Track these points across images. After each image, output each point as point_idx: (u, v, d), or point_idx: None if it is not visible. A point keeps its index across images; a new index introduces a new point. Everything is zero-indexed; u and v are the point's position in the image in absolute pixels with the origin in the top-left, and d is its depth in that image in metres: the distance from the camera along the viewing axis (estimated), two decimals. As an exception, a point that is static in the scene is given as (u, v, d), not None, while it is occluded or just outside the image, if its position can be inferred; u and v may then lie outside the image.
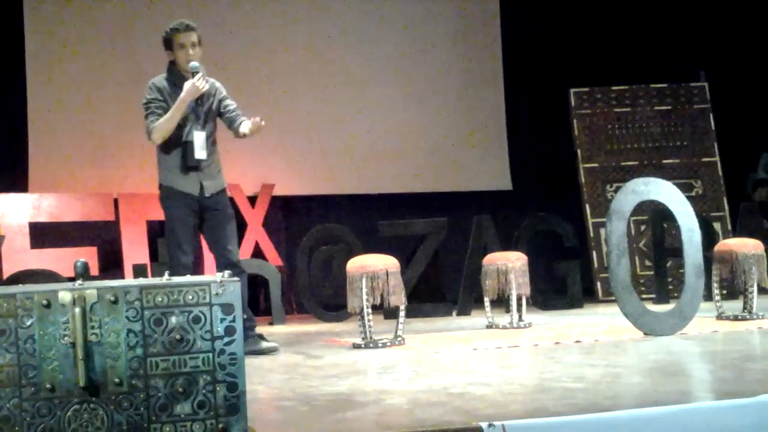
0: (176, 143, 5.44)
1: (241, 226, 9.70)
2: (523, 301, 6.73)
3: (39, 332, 2.51)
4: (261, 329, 7.98)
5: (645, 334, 5.33)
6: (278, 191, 10.02)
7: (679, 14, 10.68)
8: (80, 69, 9.51)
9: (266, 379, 4.21)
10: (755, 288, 6.14)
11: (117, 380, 2.53)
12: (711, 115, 10.26)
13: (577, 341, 5.23)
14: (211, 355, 2.58)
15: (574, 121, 10.20)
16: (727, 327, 5.69)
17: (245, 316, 5.22)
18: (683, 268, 5.54)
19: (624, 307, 5.35)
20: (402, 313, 5.68)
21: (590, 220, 9.92)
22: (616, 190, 6.82)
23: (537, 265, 7.84)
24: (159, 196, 5.54)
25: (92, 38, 9.60)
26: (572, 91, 10.26)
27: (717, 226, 9.70)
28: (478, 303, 7.42)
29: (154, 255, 8.89)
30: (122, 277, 8.48)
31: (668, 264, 8.95)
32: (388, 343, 5.53)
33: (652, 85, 10.30)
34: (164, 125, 5.37)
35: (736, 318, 6.08)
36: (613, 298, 5.58)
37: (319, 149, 10.23)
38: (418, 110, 10.62)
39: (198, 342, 2.58)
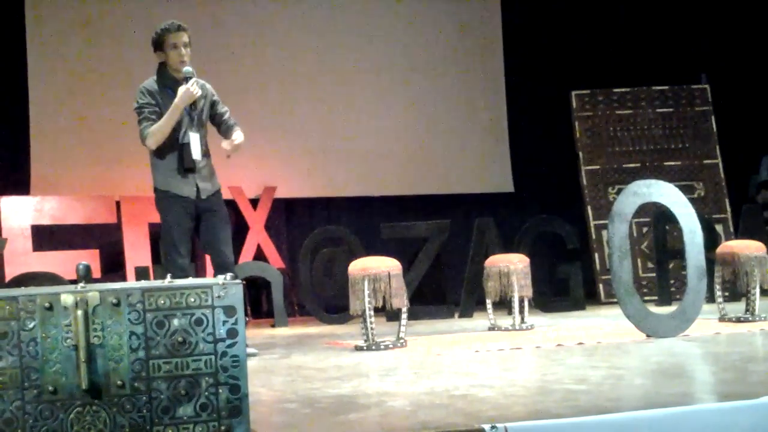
0: (171, 146, 5.42)
1: (243, 229, 9.71)
2: (525, 303, 6.73)
3: (41, 335, 2.51)
4: (264, 331, 8.01)
5: (647, 336, 5.33)
6: (280, 194, 10.02)
7: (681, 16, 10.69)
8: (82, 72, 9.52)
9: (269, 381, 4.21)
10: (757, 290, 6.13)
11: (119, 383, 2.53)
12: (712, 117, 10.26)
13: (580, 343, 5.23)
14: (213, 357, 2.58)
15: (576, 123, 10.20)
16: (729, 329, 5.68)
17: None
18: (685, 270, 5.53)
19: (626, 309, 5.35)
20: (404, 316, 5.68)
21: (592, 222, 9.92)
22: (618, 192, 6.84)
23: (539, 267, 7.84)
24: (155, 199, 5.52)
25: (94, 41, 9.61)
26: (574, 93, 10.26)
27: (719, 227, 9.70)
28: (480, 305, 7.41)
29: (156, 257, 8.89)
30: (124, 279, 8.49)
31: (670, 266, 8.95)
32: (391, 346, 5.53)
33: (654, 88, 10.30)
34: (159, 131, 5.35)
35: (738, 320, 6.08)
36: (616, 300, 5.57)
37: (321, 152, 10.23)
38: (420, 113, 10.63)
39: (200, 344, 2.58)
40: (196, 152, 5.44)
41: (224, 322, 2.59)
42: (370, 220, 9.69)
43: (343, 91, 10.43)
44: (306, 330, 7.93)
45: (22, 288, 2.66)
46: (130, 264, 8.81)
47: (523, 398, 3.22)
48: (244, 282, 2.74)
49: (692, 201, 5.92)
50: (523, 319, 6.66)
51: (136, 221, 9.07)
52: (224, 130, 5.68)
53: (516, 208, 10.35)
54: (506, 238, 8.64)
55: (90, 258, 8.60)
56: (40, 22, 9.45)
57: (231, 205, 9.60)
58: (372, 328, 5.53)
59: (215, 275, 5.32)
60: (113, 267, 8.95)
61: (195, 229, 5.53)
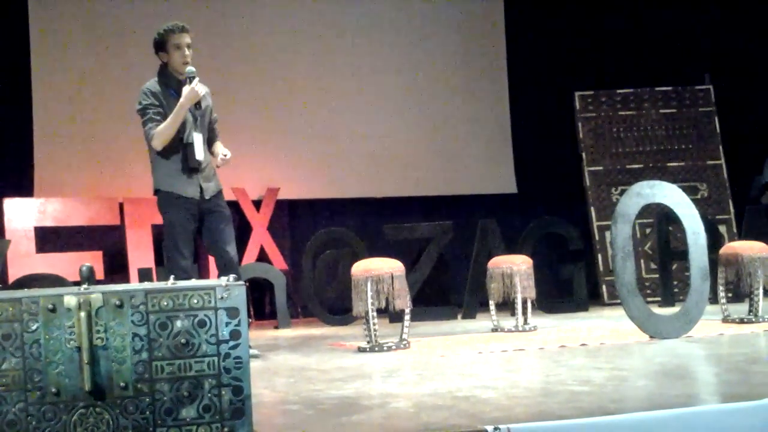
0: (175, 147, 5.42)
1: (246, 230, 9.72)
2: (529, 305, 6.73)
3: (44, 336, 2.52)
4: (267, 333, 8.01)
5: (650, 337, 5.32)
6: (283, 195, 10.02)
7: (684, 17, 10.68)
8: (85, 74, 9.53)
9: (271, 382, 4.21)
10: (761, 291, 6.13)
11: (122, 384, 2.53)
12: (716, 118, 10.26)
13: (583, 344, 5.22)
14: (216, 358, 2.58)
15: (579, 124, 10.20)
16: (732, 330, 5.68)
17: None
18: (689, 271, 5.53)
19: (629, 310, 5.35)
20: (407, 317, 5.67)
21: (595, 223, 9.92)
22: (621, 193, 6.83)
23: (542, 269, 7.84)
24: (157, 200, 5.51)
25: (97, 43, 9.62)
26: (577, 94, 10.26)
27: (722, 228, 9.69)
28: (483, 306, 7.41)
29: (159, 259, 8.89)
30: (127, 281, 8.49)
31: (674, 267, 8.95)
32: (394, 347, 5.53)
33: (657, 88, 10.30)
34: (166, 131, 5.35)
35: (741, 321, 6.07)
36: (619, 301, 5.57)
37: (324, 153, 10.23)
38: (423, 114, 10.63)
39: (203, 346, 2.58)
40: (200, 152, 5.45)
41: (227, 324, 2.59)
42: (373, 222, 9.69)
43: (346, 92, 10.43)
44: (309, 331, 7.93)
45: (26, 290, 2.66)
46: (133, 266, 8.81)
47: (526, 399, 3.22)
48: (247, 283, 2.74)
49: (695, 202, 5.91)
50: (526, 320, 6.66)
51: (139, 223, 9.07)
52: (209, 138, 5.68)
53: (519, 209, 10.35)
54: (509, 240, 8.64)
55: (93, 260, 8.61)
56: (43, 25, 9.46)
57: (234, 206, 9.61)
58: (375, 330, 5.53)
59: (220, 275, 5.34)
60: (116, 269, 8.96)
61: (198, 229, 5.53)
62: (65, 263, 8.38)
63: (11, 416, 2.48)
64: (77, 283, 2.69)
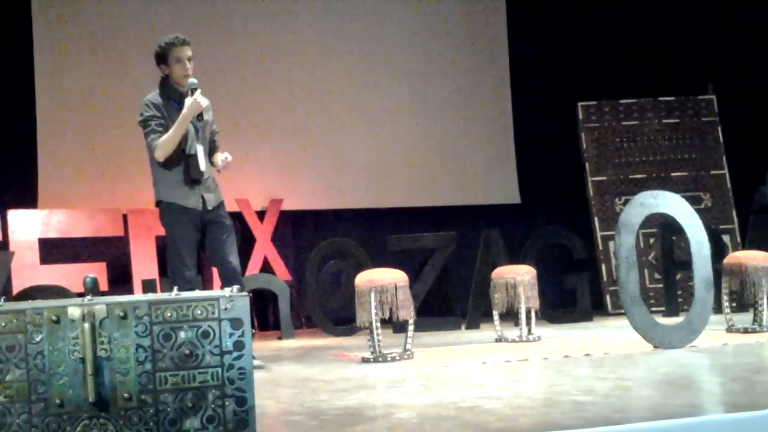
0: (178, 158, 5.43)
1: (250, 241, 9.73)
2: (532, 315, 6.72)
3: (49, 348, 2.52)
4: (271, 344, 8.01)
5: (654, 347, 5.31)
6: (286, 206, 10.03)
7: (687, 27, 10.69)
8: (89, 85, 9.56)
9: (275, 393, 4.21)
10: (765, 300, 6.12)
11: (126, 395, 2.53)
12: (719, 128, 10.25)
13: (587, 354, 5.22)
14: (220, 369, 2.58)
15: (582, 134, 10.20)
16: (737, 340, 5.67)
17: None
18: (692, 281, 5.52)
19: (633, 320, 5.34)
20: (411, 327, 5.67)
21: (599, 233, 9.91)
22: (625, 203, 6.83)
23: (546, 279, 7.84)
24: (159, 212, 5.52)
25: (101, 54, 9.65)
26: (580, 104, 10.26)
27: (726, 238, 9.68)
28: (487, 317, 7.41)
29: (163, 270, 8.90)
30: (131, 292, 8.50)
31: (677, 277, 8.93)
32: (397, 357, 5.52)
33: (660, 98, 10.31)
34: (169, 142, 5.36)
35: (746, 330, 6.06)
36: (623, 311, 5.56)
37: (327, 164, 10.25)
38: (426, 124, 10.65)
39: (207, 357, 2.58)
40: (202, 163, 5.46)
41: (231, 335, 2.59)
42: (376, 232, 9.69)
43: (349, 104, 10.45)
44: (313, 342, 7.93)
45: (30, 301, 2.67)
46: (137, 277, 8.82)
47: (530, 410, 3.21)
48: (251, 294, 2.75)
49: (699, 212, 5.91)
50: (530, 330, 6.65)
51: (143, 234, 9.09)
52: (210, 150, 5.70)
53: (523, 219, 10.35)
54: (513, 250, 8.64)
55: (97, 271, 8.61)
56: (47, 37, 9.49)
57: (237, 217, 9.62)
58: (379, 340, 5.53)
59: (223, 286, 5.33)
60: (120, 280, 8.97)
61: (200, 241, 5.53)
62: (69, 275, 8.39)
63: (15, 427, 2.48)
64: (81, 295, 2.70)
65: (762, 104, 10.33)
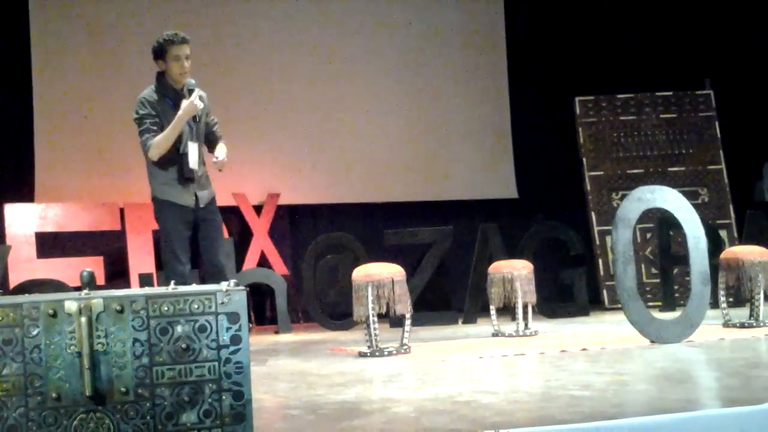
0: (171, 156, 5.40)
1: (247, 235, 9.72)
2: (529, 309, 6.73)
3: (45, 342, 2.52)
4: (268, 338, 8.01)
5: (651, 341, 5.32)
6: (284, 200, 10.03)
7: (684, 22, 10.69)
8: (86, 80, 9.54)
9: (272, 387, 4.21)
10: (761, 295, 6.13)
11: (123, 389, 2.53)
12: (716, 123, 10.26)
13: (584, 349, 5.22)
14: (216, 363, 2.58)
15: (580, 129, 10.20)
16: (733, 334, 5.68)
17: None
18: (689, 276, 5.53)
19: (630, 315, 5.34)
20: (408, 322, 5.67)
21: (596, 228, 9.92)
22: (622, 198, 6.84)
23: (543, 273, 7.84)
24: (154, 209, 5.52)
25: (97, 49, 9.64)
26: (577, 99, 10.27)
27: (723, 233, 9.69)
28: (484, 311, 7.41)
29: (160, 264, 8.89)
30: (128, 286, 8.49)
31: (674, 271, 8.94)
32: (394, 352, 5.53)
33: (658, 93, 10.31)
34: (163, 143, 5.34)
35: (742, 325, 6.07)
36: (620, 305, 5.57)
37: (325, 158, 10.24)
38: (424, 119, 10.64)
39: (204, 351, 2.58)
40: (194, 162, 5.46)
41: (228, 329, 2.59)
42: (373, 227, 9.69)
43: (346, 98, 10.44)
44: (309, 336, 7.93)
45: (27, 295, 2.66)
46: (134, 271, 8.82)
47: (527, 404, 3.21)
48: (248, 288, 2.74)
49: (696, 206, 5.91)
50: (526, 325, 6.66)
51: (140, 228, 9.08)
52: (210, 141, 5.69)
53: (520, 214, 10.35)
54: (510, 244, 8.64)
55: (94, 265, 8.60)
56: (44, 30, 9.48)
57: (235, 211, 9.62)
58: (376, 335, 5.53)
59: (206, 282, 5.36)
60: (117, 274, 8.96)
61: (192, 236, 5.55)
62: (66, 268, 8.38)
63: (12, 421, 2.48)
64: (78, 289, 2.69)
65: (759, 99, 10.34)
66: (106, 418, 2.52)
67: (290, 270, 9.84)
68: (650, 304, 8.39)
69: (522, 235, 8.84)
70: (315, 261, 8.81)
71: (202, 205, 5.51)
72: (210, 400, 2.56)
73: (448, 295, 8.85)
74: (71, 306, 2.53)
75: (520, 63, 10.90)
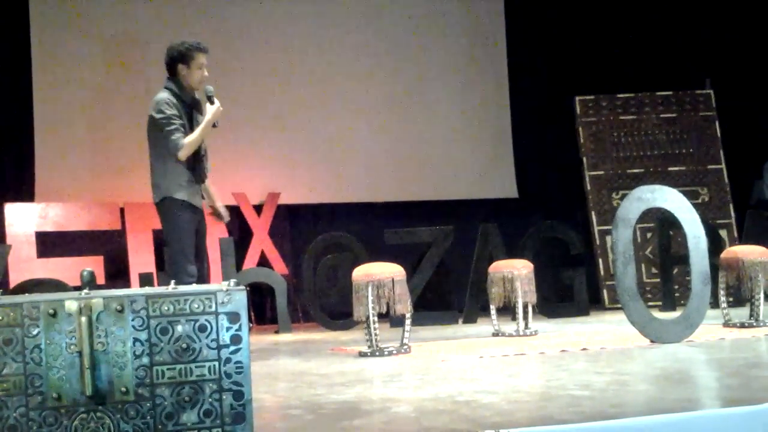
0: (190, 158, 5.45)
1: (247, 235, 9.72)
2: (530, 309, 6.73)
3: (45, 341, 2.51)
4: (268, 338, 8.01)
5: (651, 341, 5.32)
6: (284, 200, 10.03)
7: (685, 22, 10.69)
8: (86, 79, 9.55)
9: (272, 387, 4.21)
10: (762, 295, 6.13)
11: (123, 389, 2.53)
12: (716, 123, 10.26)
13: (584, 349, 5.22)
14: (217, 363, 2.58)
15: (580, 128, 10.20)
16: (733, 334, 5.68)
17: None
18: (689, 276, 5.53)
19: (630, 315, 5.34)
20: (408, 321, 5.67)
21: (596, 228, 9.92)
22: (622, 198, 6.83)
23: (543, 273, 7.84)
24: (166, 207, 5.49)
25: (98, 49, 9.64)
26: (577, 98, 10.27)
27: (723, 233, 9.69)
28: (484, 311, 7.41)
29: (160, 264, 8.90)
30: (128, 286, 8.50)
31: (674, 271, 8.94)
32: (394, 351, 5.52)
33: (658, 93, 10.31)
34: (194, 144, 5.39)
35: (742, 325, 6.07)
36: (620, 305, 5.56)
37: (325, 158, 10.25)
38: (424, 119, 10.64)
39: (204, 351, 2.58)
40: (209, 166, 5.54)
41: (228, 329, 2.59)
42: (373, 226, 9.68)
43: (346, 97, 10.44)
44: (310, 336, 7.93)
45: (27, 294, 2.66)
46: (134, 270, 8.82)
47: (527, 404, 3.21)
48: (248, 288, 2.74)
49: (696, 206, 5.91)
50: (527, 324, 6.66)
51: (140, 228, 9.08)
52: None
53: (520, 213, 10.35)
54: (510, 244, 8.64)
55: (94, 264, 8.61)
56: (44, 30, 9.48)
57: (235, 211, 9.61)
58: (376, 334, 5.53)
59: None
60: (117, 273, 8.97)
61: None
62: (66, 268, 8.39)
63: (12, 421, 2.48)
64: (78, 288, 2.69)
65: (760, 99, 10.34)
66: (106, 418, 2.52)
67: (290, 269, 9.84)
68: (650, 303, 8.39)
69: (522, 234, 8.84)
70: (315, 260, 8.81)
71: (199, 207, 5.55)
72: (210, 399, 2.56)
73: (449, 294, 8.85)
74: (71, 305, 2.53)
75: (520, 62, 10.90)
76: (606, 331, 6.55)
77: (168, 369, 2.56)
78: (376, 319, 5.52)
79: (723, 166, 10.13)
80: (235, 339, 2.59)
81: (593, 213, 9.97)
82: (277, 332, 8.54)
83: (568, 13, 10.78)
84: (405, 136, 10.54)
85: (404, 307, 5.55)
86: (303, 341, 7.37)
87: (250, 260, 9.62)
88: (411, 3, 10.78)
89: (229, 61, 9.87)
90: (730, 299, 6.64)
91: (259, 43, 10.21)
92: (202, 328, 2.58)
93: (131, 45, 9.63)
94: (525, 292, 6.61)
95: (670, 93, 10.34)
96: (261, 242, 9.77)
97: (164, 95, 5.43)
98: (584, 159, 10.13)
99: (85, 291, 2.59)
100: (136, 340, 2.56)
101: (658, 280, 9.20)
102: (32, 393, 2.50)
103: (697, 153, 10.18)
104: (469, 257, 8.66)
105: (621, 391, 3.45)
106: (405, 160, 10.47)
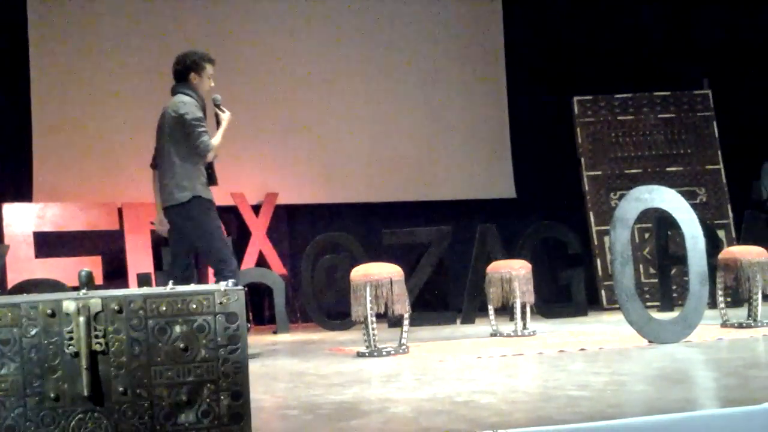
0: (206, 162, 5.72)
1: (245, 235, 9.72)
2: (527, 309, 6.73)
3: (43, 342, 2.51)
4: (266, 338, 8.01)
5: (649, 341, 5.32)
6: (282, 200, 10.03)
7: (683, 22, 10.69)
8: (84, 79, 9.54)
9: (270, 387, 4.21)
10: (759, 295, 6.13)
11: (121, 389, 2.53)
12: (714, 123, 10.27)
13: (582, 349, 5.22)
14: (215, 363, 2.58)
15: (578, 129, 10.21)
16: (731, 334, 5.68)
17: None
18: (687, 276, 5.53)
19: (628, 315, 5.35)
20: (406, 322, 5.67)
21: (594, 228, 9.92)
22: (620, 198, 6.83)
23: (541, 273, 7.84)
24: (198, 207, 5.63)
25: (96, 49, 9.63)
26: (575, 99, 10.27)
27: (721, 233, 9.70)
28: (482, 311, 7.41)
29: (158, 264, 8.90)
30: (126, 286, 8.49)
31: (672, 271, 8.95)
32: (393, 352, 5.53)
33: (656, 93, 10.31)
34: (219, 147, 5.69)
35: (740, 325, 6.08)
36: (618, 305, 5.57)
37: (323, 158, 10.24)
38: (422, 119, 10.64)
39: (202, 351, 2.58)
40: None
41: (226, 329, 2.59)
42: (372, 227, 9.69)
43: (344, 97, 10.44)
44: (308, 336, 7.93)
45: (25, 295, 2.66)
46: (132, 271, 8.81)
47: (525, 404, 3.21)
48: (246, 288, 2.74)
49: (694, 206, 5.92)
50: (525, 325, 6.66)
51: (138, 228, 9.07)
52: None
53: (518, 214, 10.35)
54: (508, 244, 8.64)
55: (92, 265, 8.60)
56: (42, 30, 9.47)
57: (233, 211, 9.62)
58: (374, 335, 5.53)
59: (178, 281, 5.54)
60: (115, 274, 8.96)
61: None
62: (64, 268, 8.38)
63: (10, 422, 2.48)
64: (76, 288, 2.69)
65: (757, 99, 10.34)
66: (103, 419, 2.52)
67: (288, 270, 9.84)
68: (648, 304, 8.39)
69: (520, 235, 8.84)
70: (313, 261, 8.81)
71: None
72: (208, 400, 2.56)
73: (447, 295, 8.85)
74: (69, 306, 2.53)
75: (518, 63, 10.90)
76: (604, 332, 6.56)
77: (166, 369, 2.56)
78: (374, 319, 5.52)
79: (721, 166, 10.13)
80: (233, 339, 2.59)
81: (591, 213, 9.97)
82: (275, 332, 8.54)
83: (567, 13, 10.78)
84: (403, 136, 10.54)
85: (402, 307, 5.56)
86: (301, 341, 7.37)
87: (249, 260, 9.62)
88: (410, 4, 10.78)
89: (228, 61, 9.84)
90: (728, 299, 6.65)
91: (257, 43, 10.20)
92: (201, 329, 2.58)
93: (130, 45, 9.63)
94: (523, 292, 6.61)
95: (668, 93, 10.34)
96: (259, 242, 9.77)
97: (189, 99, 5.67)
98: (582, 159, 10.13)
99: (83, 291, 2.59)
100: (134, 340, 2.56)
101: (656, 280, 9.20)
102: (30, 393, 2.50)
103: (695, 153, 10.18)
104: (468, 257, 8.66)
105: (619, 391, 3.45)
106: (403, 161, 10.47)
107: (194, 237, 5.62)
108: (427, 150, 10.60)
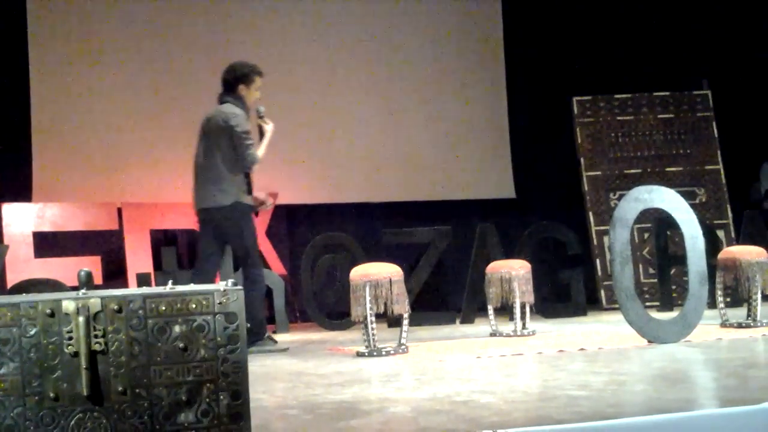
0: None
1: (245, 235, 9.70)
2: (527, 309, 6.73)
3: (43, 341, 2.51)
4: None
5: (649, 341, 5.32)
6: (282, 200, 10.01)
7: (682, 22, 10.69)
8: (83, 78, 9.54)
9: (270, 387, 4.21)
10: (759, 295, 6.13)
11: (120, 389, 2.53)
12: (714, 123, 10.27)
13: (581, 349, 5.22)
14: (214, 363, 2.58)
15: (577, 129, 10.20)
16: (731, 334, 5.68)
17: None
18: (687, 276, 5.53)
19: (628, 315, 5.34)
20: (405, 322, 5.67)
21: (593, 228, 9.92)
22: (620, 198, 6.84)
23: (540, 273, 7.84)
24: (241, 211, 6.07)
25: (96, 48, 9.63)
26: (575, 99, 10.27)
27: (720, 233, 9.70)
28: (482, 311, 7.41)
29: (157, 264, 8.90)
30: (126, 286, 8.49)
31: (672, 272, 8.95)
32: (392, 352, 5.52)
33: (655, 93, 10.31)
34: (262, 158, 6.15)
35: (740, 325, 6.08)
36: (617, 305, 5.57)
37: (323, 158, 10.24)
38: (421, 119, 10.64)
39: (201, 351, 2.58)
40: None
41: (225, 328, 2.59)
42: (371, 226, 9.69)
43: (344, 97, 10.44)
44: (307, 336, 7.93)
45: (24, 294, 2.66)
46: (132, 270, 8.81)
47: (524, 404, 3.21)
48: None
49: (693, 207, 5.92)
50: (524, 324, 6.66)
51: (137, 228, 9.07)
52: None
53: (517, 213, 10.35)
54: (508, 244, 8.64)
55: (91, 264, 8.60)
56: (42, 28, 9.47)
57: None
58: (373, 334, 5.53)
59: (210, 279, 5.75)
60: (115, 273, 8.96)
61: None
62: (63, 268, 8.37)
63: (9, 421, 2.48)
64: (75, 288, 2.69)
65: (757, 99, 10.35)
66: (103, 419, 2.52)
67: (288, 270, 9.84)
68: (648, 304, 8.39)
69: (520, 235, 8.84)
70: (313, 261, 8.81)
71: None
72: (208, 399, 2.56)
73: (446, 294, 8.85)
74: (69, 306, 2.53)
75: (517, 62, 10.90)
76: (603, 332, 6.55)
77: (165, 369, 2.56)
78: (373, 319, 5.52)
79: (720, 166, 10.13)
80: (233, 339, 2.59)
81: (591, 213, 9.97)
82: (274, 332, 8.52)
83: (566, 13, 10.78)
84: (403, 136, 10.54)
85: (402, 307, 5.55)
86: (300, 341, 7.37)
87: (248, 260, 9.61)
88: (410, 4, 10.78)
89: (227, 62, 9.84)
90: (728, 299, 6.64)
91: (256, 43, 10.19)
92: (200, 328, 2.58)
93: (129, 45, 9.62)
94: (522, 292, 6.61)
95: (667, 94, 10.34)
96: (259, 242, 9.75)
97: (242, 112, 5.87)
98: (582, 159, 10.13)
99: (83, 291, 2.59)
100: (133, 339, 2.55)
101: (656, 280, 9.20)
102: (29, 393, 2.49)
103: (695, 153, 10.18)
104: (467, 257, 8.66)
105: (619, 391, 3.45)
106: (403, 161, 10.47)
107: (231, 236, 5.92)
108: (427, 150, 10.60)
